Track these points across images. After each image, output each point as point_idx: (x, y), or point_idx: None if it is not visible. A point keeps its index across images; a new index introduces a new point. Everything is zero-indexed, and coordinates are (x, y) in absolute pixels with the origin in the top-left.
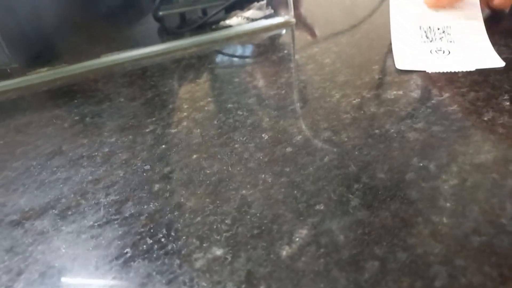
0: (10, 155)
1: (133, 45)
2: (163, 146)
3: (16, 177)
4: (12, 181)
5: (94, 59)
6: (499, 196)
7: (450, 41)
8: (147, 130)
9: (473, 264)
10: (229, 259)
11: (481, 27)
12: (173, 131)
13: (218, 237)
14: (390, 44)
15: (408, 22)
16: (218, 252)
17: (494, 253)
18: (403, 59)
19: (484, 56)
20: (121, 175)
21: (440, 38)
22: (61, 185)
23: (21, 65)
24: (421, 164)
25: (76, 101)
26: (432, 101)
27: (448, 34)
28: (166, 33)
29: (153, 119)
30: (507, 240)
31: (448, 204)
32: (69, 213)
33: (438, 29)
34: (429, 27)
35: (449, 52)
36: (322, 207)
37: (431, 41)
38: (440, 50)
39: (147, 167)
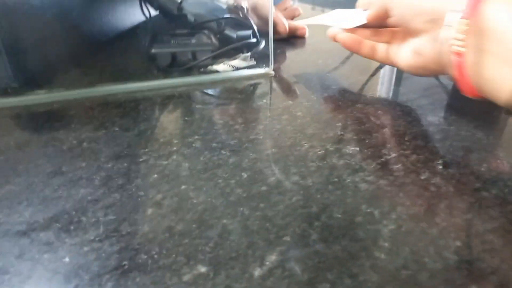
0: (12, 171)
1: (126, 78)
2: (155, 175)
3: (20, 191)
4: (16, 195)
5: (89, 87)
6: (425, 241)
7: None
8: (141, 159)
9: None
10: (211, 275)
11: None
12: (164, 162)
13: (203, 257)
14: (354, 104)
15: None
16: (203, 269)
17: (416, 284)
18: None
19: None
20: (117, 198)
21: None
22: (63, 202)
23: (20, 85)
24: (368, 210)
25: (73, 125)
26: (382, 159)
27: None
28: (157, 70)
29: (146, 150)
30: (426, 275)
31: (386, 244)
32: (72, 227)
33: None
34: None
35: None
36: (288, 239)
37: None
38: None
39: (141, 193)
